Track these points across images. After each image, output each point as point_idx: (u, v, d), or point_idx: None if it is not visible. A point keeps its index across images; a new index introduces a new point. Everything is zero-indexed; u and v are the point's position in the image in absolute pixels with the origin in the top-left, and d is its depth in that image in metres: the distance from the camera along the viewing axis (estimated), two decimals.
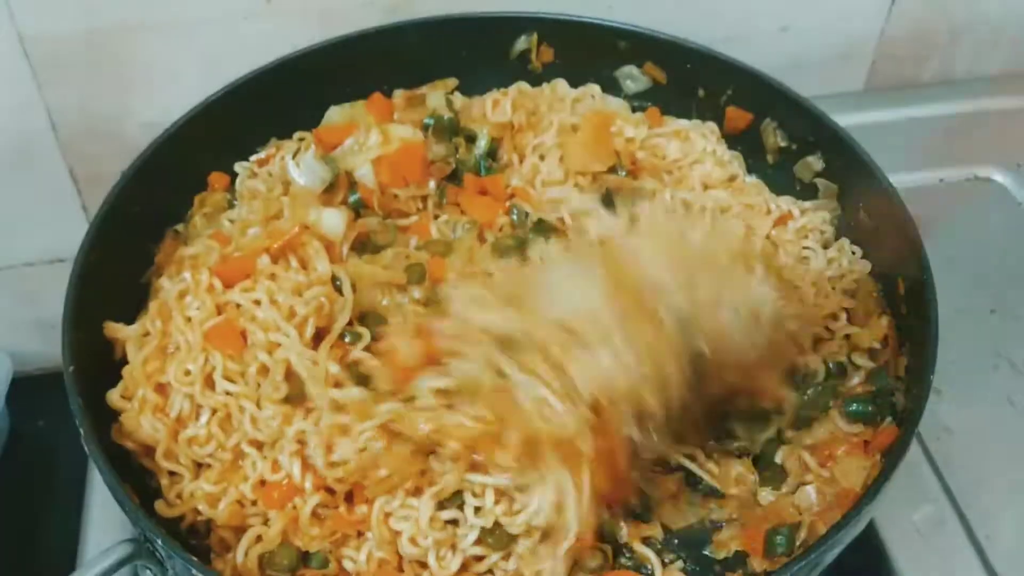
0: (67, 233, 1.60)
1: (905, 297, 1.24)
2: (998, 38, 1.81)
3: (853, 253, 1.36)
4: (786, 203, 1.41)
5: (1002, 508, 1.30)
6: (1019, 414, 1.39)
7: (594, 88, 1.51)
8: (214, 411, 1.15)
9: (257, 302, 1.18)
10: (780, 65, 1.59)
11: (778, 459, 1.19)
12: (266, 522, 1.13)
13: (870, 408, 1.21)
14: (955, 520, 1.29)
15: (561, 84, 1.51)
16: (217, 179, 1.41)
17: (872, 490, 1.04)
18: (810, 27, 1.72)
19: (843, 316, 1.30)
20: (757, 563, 1.14)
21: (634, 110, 1.51)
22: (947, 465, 1.33)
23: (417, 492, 1.11)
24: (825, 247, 1.38)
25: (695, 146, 1.45)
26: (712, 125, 1.47)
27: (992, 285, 1.53)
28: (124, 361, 1.21)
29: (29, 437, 1.69)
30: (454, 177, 1.41)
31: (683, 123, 1.48)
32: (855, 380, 1.25)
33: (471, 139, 1.44)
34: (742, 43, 1.67)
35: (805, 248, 1.37)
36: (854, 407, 1.21)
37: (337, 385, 1.15)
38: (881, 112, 1.76)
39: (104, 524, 1.32)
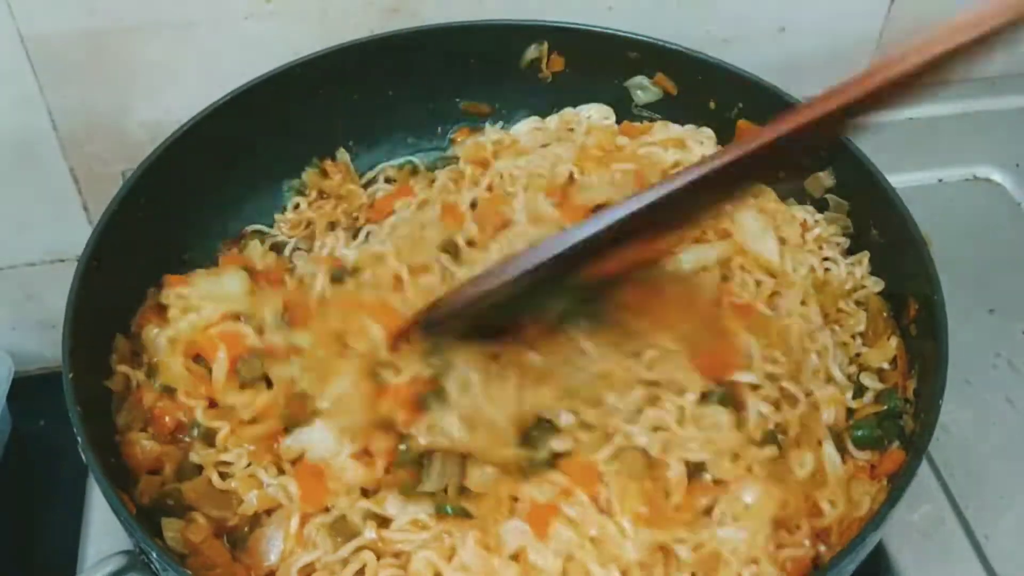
0: (68, 233, 1.62)
1: (916, 318, 1.23)
2: None
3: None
4: (800, 212, 1.40)
5: (1001, 508, 1.30)
6: (1018, 414, 1.39)
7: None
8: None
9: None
10: (778, 66, 1.59)
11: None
12: None
13: (877, 432, 1.19)
14: (954, 520, 1.29)
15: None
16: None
17: (878, 518, 1.03)
18: (808, 27, 1.72)
19: (859, 337, 1.29)
20: None
21: (644, 120, 1.51)
22: (946, 465, 1.34)
23: None
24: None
25: (693, 152, 1.44)
26: (708, 131, 1.47)
27: (992, 285, 1.53)
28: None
29: (30, 437, 1.69)
30: None
31: (676, 128, 1.47)
32: (864, 400, 1.23)
33: None
34: (740, 44, 1.67)
35: (826, 259, 1.35)
36: (860, 433, 1.20)
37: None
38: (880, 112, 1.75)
39: (105, 525, 1.31)
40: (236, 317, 1.24)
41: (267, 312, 1.24)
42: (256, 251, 1.40)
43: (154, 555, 1.01)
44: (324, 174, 1.50)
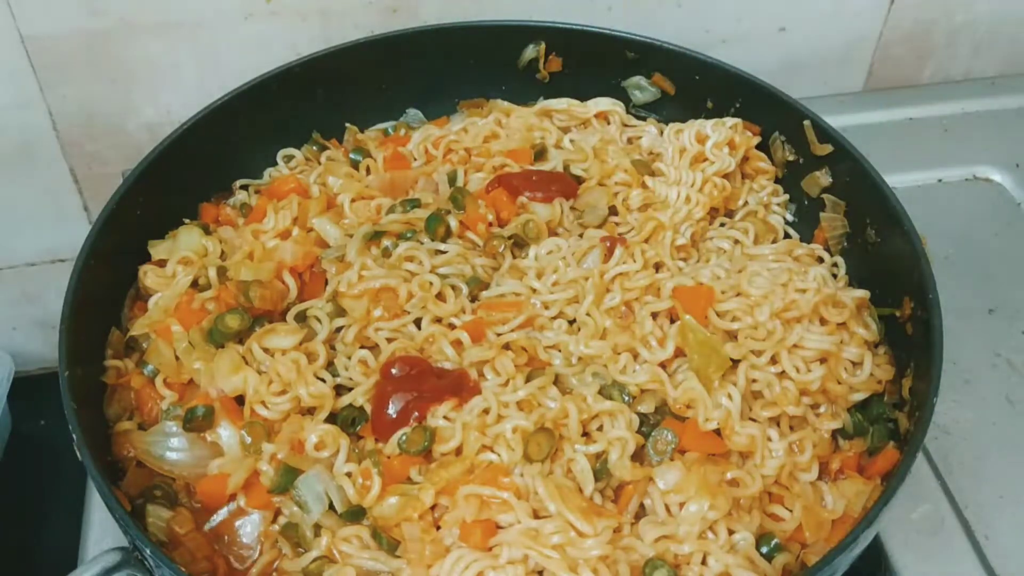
0: (68, 233, 1.62)
1: (912, 317, 1.23)
2: (996, 38, 1.81)
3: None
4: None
5: (1001, 507, 1.30)
6: (1017, 414, 1.39)
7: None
8: None
9: None
10: (779, 66, 1.59)
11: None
12: None
13: (857, 418, 1.21)
14: (954, 519, 1.29)
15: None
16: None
17: (871, 514, 1.03)
18: (809, 28, 1.72)
19: None
20: None
21: (642, 119, 1.52)
22: (946, 464, 1.33)
23: None
24: None
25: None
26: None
27: (991, 285, 1.53)
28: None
29: (30, 437, 1.69)
30: None
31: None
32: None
33: None
34: (741, 44, 1.68)
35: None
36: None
37: None
38: (880, 112, 1.76)
39: (105, 524, 1.32)
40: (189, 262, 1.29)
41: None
42: (241, 196, 1.43)
43: (147, 552, 1.01)
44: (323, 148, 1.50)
